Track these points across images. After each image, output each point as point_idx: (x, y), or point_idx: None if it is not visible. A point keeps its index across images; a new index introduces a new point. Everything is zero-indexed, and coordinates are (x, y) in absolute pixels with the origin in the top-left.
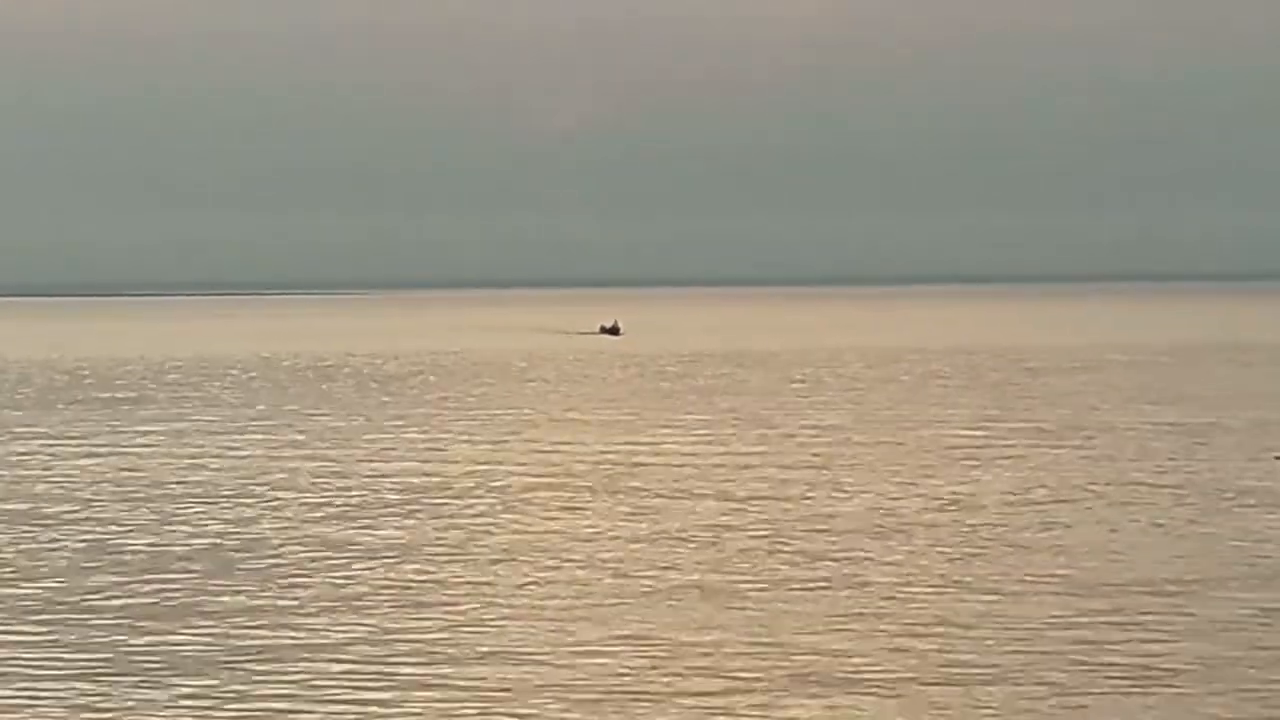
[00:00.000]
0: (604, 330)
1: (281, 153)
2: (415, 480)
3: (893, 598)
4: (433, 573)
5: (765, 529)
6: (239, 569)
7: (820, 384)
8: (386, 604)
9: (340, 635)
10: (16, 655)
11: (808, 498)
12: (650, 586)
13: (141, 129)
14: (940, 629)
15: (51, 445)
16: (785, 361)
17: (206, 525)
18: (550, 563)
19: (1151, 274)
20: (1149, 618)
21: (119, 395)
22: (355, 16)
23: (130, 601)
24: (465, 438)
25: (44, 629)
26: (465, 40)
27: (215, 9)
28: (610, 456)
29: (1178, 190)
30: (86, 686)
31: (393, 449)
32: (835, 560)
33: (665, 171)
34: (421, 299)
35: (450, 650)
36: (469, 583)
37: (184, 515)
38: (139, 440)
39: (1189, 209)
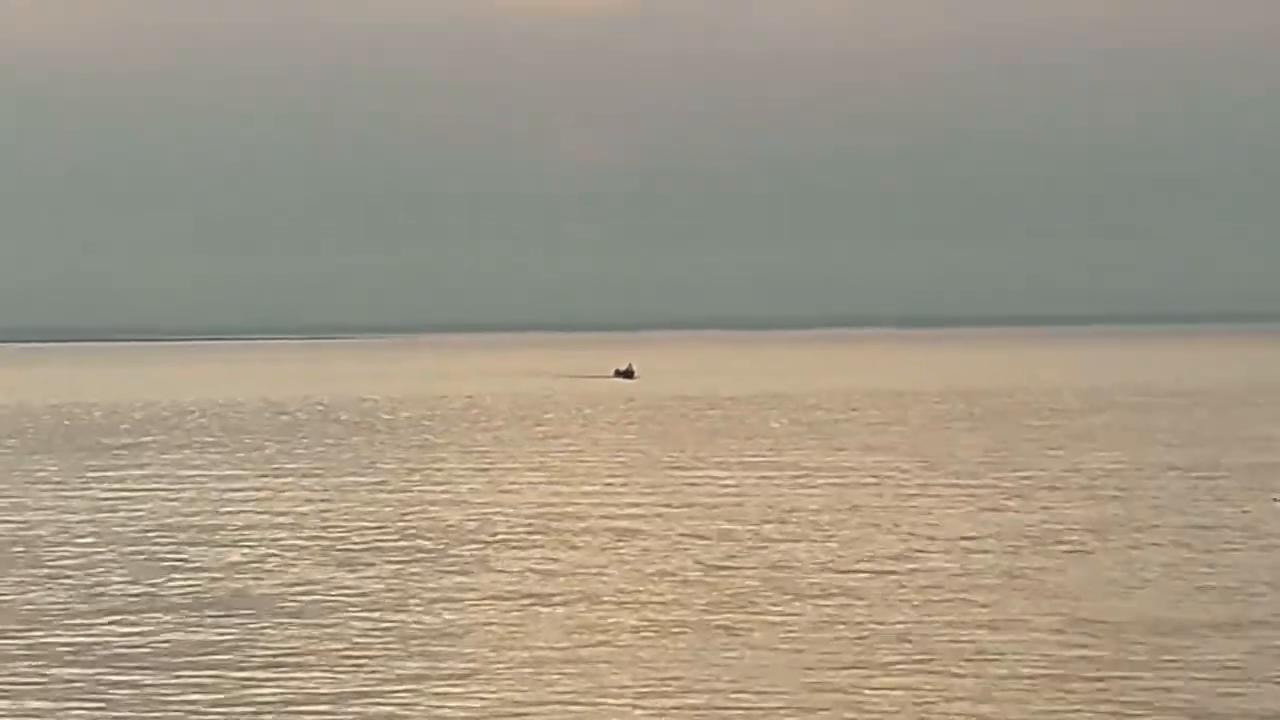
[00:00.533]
0: (618, 374)
1: (286, 193)
2: (416, 524)
3: (891, 632)
4: (450, 618)
5: (779, 569)
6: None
7: (836, 425)
8: (405, 652)
9: (342, 685)
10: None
11: (828, 539)
12: (659, 626)
13: (150, 170)
14: (938, 664)
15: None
16: (801, 404)
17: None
18: (548, 607)
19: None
20: (1143, 659)
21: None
22: (369, 52)
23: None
24: (469, 483)
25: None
26: (472, 77)
27: (225, 46)
28: (644, 499)
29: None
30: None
31: (391, 493)
32: (840, 598)
33: (681, 210)
34: (427, 343)
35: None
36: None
37: (218, 558)
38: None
39: (1210, 249)
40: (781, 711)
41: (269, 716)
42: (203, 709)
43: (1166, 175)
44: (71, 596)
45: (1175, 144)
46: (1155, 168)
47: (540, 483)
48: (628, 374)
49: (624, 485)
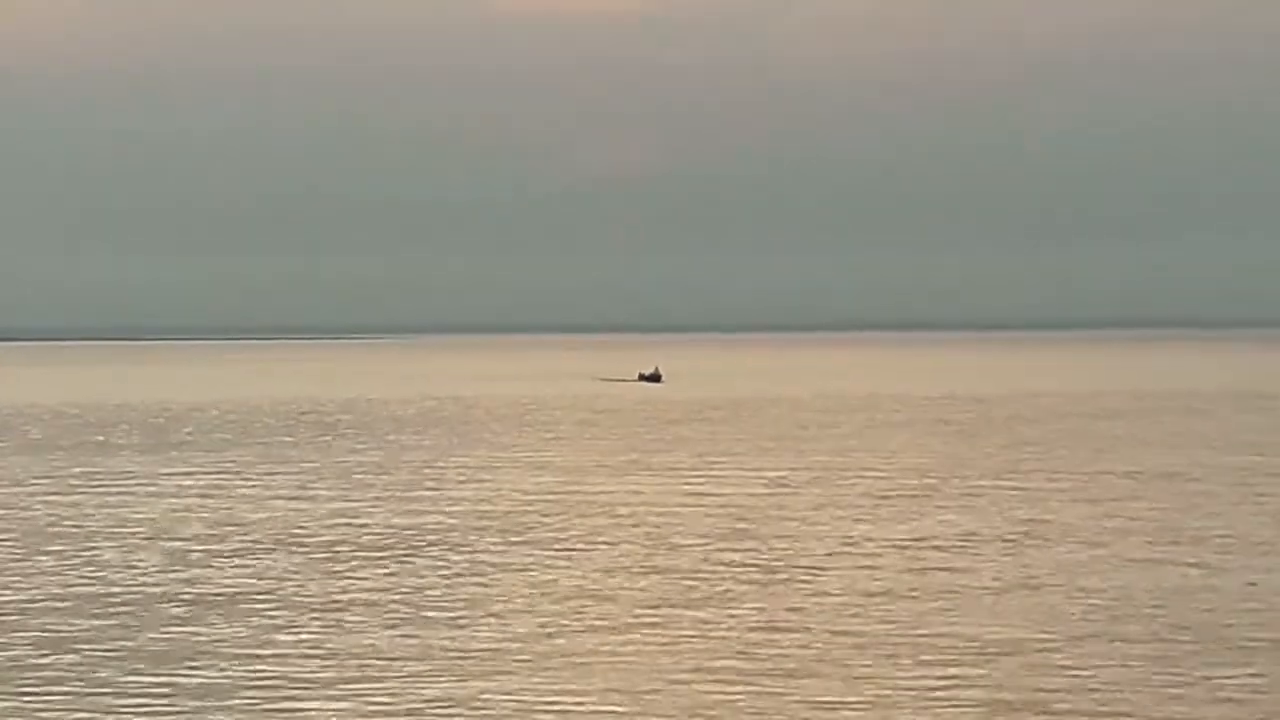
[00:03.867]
0: (643, 378)
1: (310, 194)
2: (419, 526)
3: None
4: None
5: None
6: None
7: (865, 428)
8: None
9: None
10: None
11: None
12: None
13: (149, 170)
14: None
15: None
16: (830, 406)
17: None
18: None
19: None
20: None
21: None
22: (390, 55)
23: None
24: (483, 481)
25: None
26: (497, 82)
27: (238, 47)
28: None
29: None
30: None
31: (407, 495)
32: (854, 589)
33: (706, 215)
34: (453, 344)
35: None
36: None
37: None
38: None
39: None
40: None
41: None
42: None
43: (1159, 181)
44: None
45: (1167, 150)
46: (1148, 173)
47: (564, 481)
48: (654, 378)
49: (650, 486)
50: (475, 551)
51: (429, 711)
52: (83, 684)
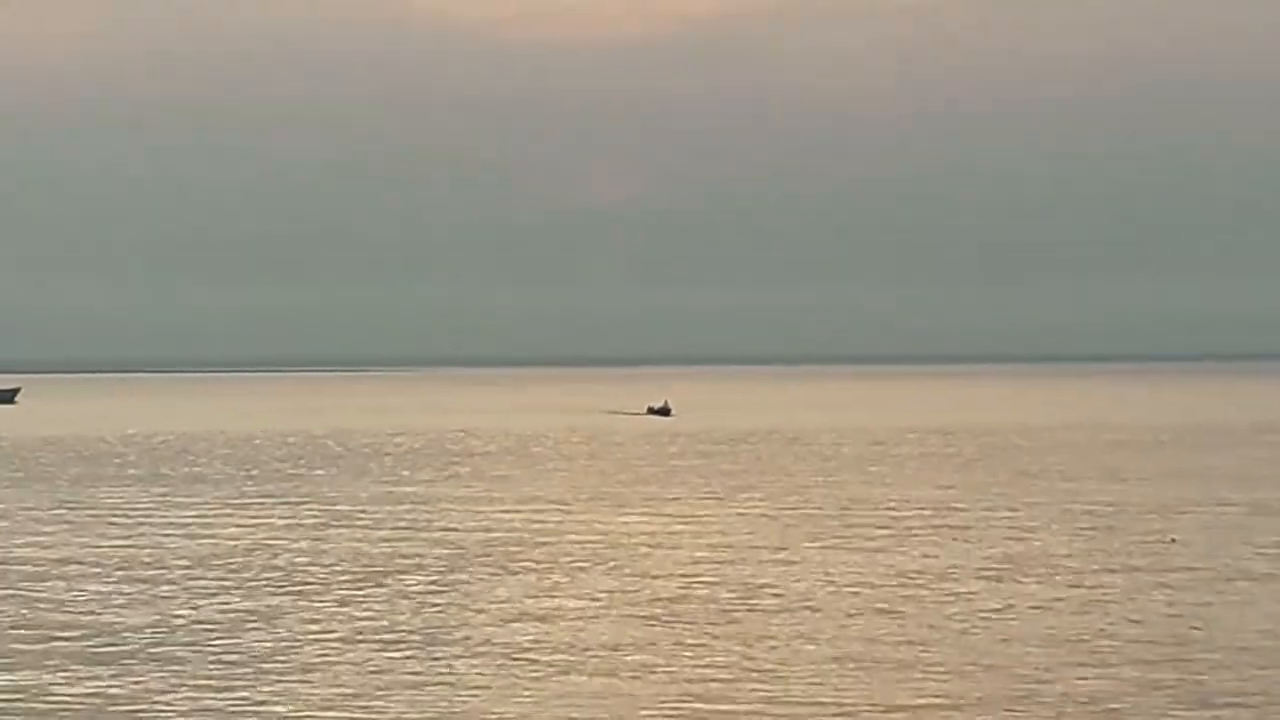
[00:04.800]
0: (652, 411)
1: (313, 225)
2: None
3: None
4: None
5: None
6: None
7: (885, 461)
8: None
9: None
10: None
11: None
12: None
13: (168, 198)
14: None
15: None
16: (840, 439)
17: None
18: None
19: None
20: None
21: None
22: (391, 82)
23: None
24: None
25: None
26: (494, 108)
27: (248, 72)
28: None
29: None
30: None
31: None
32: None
33: (711, 245)
34: (456, 377)
35: None
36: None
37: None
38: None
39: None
40: None
41: None
42: None
43: (1146, 213)
44: None
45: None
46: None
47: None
48: (663, 411)
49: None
50: (454, 581)
51: None
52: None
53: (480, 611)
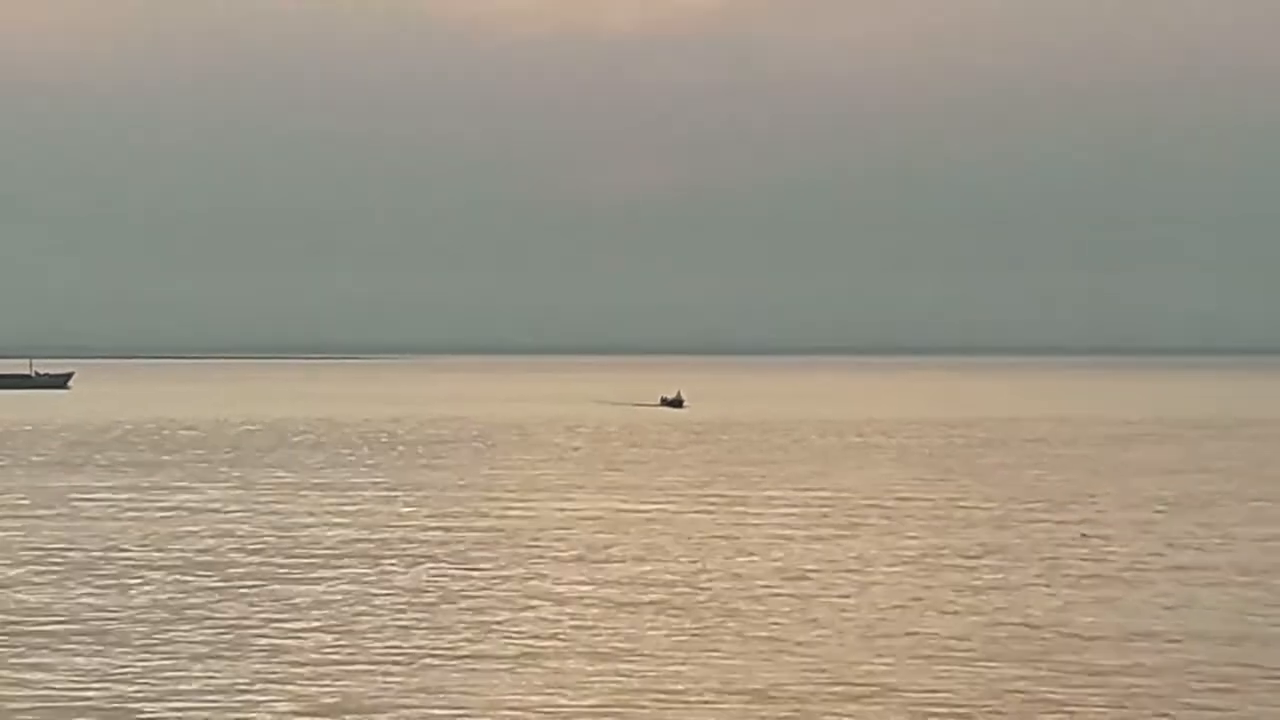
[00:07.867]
0: (665, 402)
1: (330, 216)
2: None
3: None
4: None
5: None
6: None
7: (904, 451)
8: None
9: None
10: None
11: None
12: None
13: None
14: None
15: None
16: (854, 429)
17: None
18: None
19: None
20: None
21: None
22: (398, 78)
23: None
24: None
25: None
26: (505, 102)
27: (255, 55)
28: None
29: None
30: None
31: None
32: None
33: (723, 236)
34: (464, 365)
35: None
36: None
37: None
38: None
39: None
40: None
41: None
42: None
43: (1135, 209)
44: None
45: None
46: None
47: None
48: (676, 403)
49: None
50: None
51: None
52: None
53: (492, 595)
